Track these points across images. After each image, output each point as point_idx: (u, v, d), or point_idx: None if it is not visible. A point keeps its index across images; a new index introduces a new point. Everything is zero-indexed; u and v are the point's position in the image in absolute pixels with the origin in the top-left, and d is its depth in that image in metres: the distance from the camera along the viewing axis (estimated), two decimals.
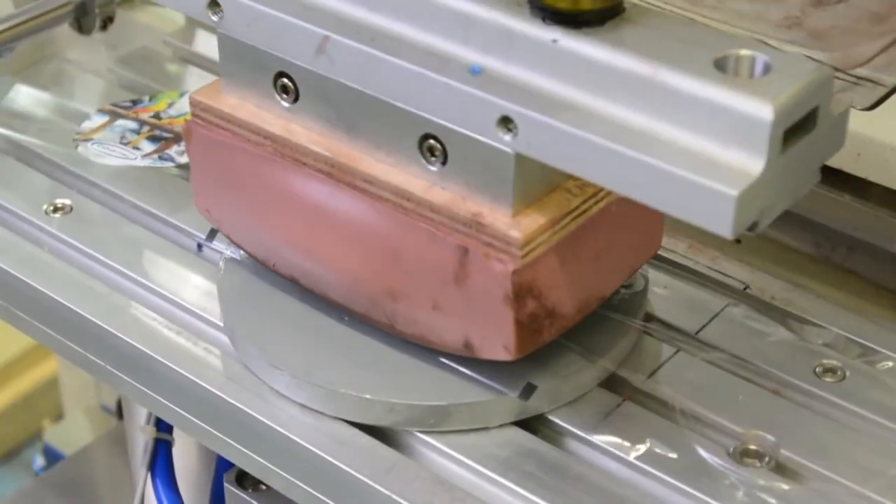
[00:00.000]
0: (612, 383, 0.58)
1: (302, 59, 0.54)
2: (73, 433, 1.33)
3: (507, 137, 0.49)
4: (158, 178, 0.71)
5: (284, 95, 0.56)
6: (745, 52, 0.46)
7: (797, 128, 0.45)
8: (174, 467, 0.71)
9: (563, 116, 0.47)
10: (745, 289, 0.63)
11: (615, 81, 0.47)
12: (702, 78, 0.45)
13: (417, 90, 0.51)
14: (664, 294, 0.63)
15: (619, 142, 0.46)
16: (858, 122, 0.61)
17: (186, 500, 0.71)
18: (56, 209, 0.69)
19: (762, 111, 0.44)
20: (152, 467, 0.71)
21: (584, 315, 0.56)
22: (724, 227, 0.44)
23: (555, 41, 0.48)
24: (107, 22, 0.82)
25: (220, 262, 0.63)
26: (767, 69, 0.46)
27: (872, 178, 0.62)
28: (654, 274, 0.63)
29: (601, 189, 0.53)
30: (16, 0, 0.80)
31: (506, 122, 0.49)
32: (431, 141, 0.52)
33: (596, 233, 0.54)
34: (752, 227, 0.45)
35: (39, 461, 1.36)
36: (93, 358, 0.63)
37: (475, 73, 0.50)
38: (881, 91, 0.64)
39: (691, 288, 0.63)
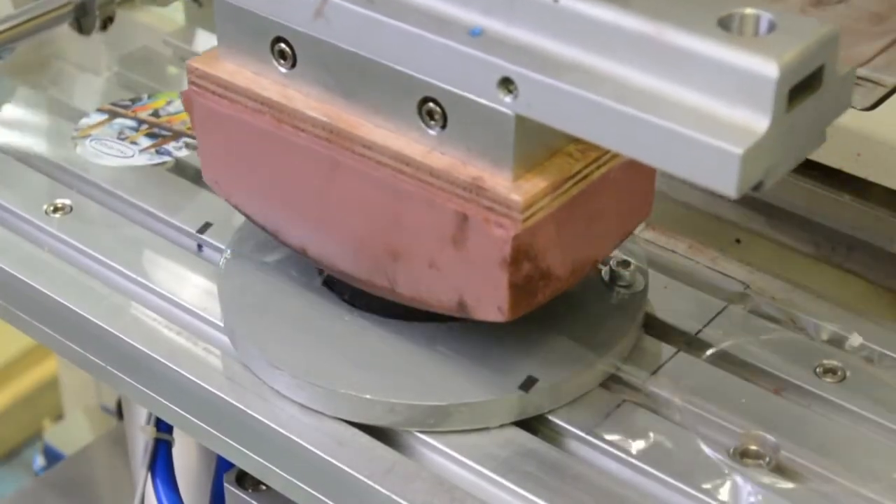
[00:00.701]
0: (612, 383, 0.58)
1: (299, 22, 0.54)
2: (73, 433, 1.33)
3: (508, 99, 0.49)
4: (158, 179, 0.71)
5: (282, 61, 0.56)
6: (749, 10, 0.46)
7: (803, 86, 0.45)
8: (174, 467, 0.71)
9: (564, 77, 0.47)
10: (745, 289, 0.63)
11: (618, 41, 0.46)
12: (706, 37, 0.45)
13: (416, 52, 0.51)
14: (664, 294, 0.63)
15: (623, 102, 0.46)
16: (858, 122, 0.61)
17: (186, 500, 0.71)
18: (56, 209, 0.69)
19: (767, 69, 0.43)
20: (152, 467, 0.71)
21: (578, 278, 0.55)
22: (728, 185, 0.44)
23: (556, 1, 0.48)
24: (107, 22, 0.81)
25: (221, 262, 0.63)
26: (772, 27, 0.45)
27: (872, 178, 0.62)
28: (654, 274, 0.63)
29: (604, 153, 0.53)
30: (15, 0, 0.80)
31: (506, 83, 0.49)
32: (431, 104, 0.52)
33: (595, 197, 0.53)
34: (758, 187, 0.45)
35: (39, 461, 1.36)
36: (93, 358, 0.63)
37: (475, 35, 0.49)
38: (881, 91, 0.64)
39: (691, 288, 0.64)
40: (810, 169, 0.66)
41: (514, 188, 0.51)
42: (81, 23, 0.80)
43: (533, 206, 0.51)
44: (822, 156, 0.63)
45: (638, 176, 0.49)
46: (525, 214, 0.50)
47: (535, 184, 0.51)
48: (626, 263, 0.61)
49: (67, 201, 0.69)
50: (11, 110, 0.78)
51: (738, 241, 0.70)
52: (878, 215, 0.64)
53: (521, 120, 0.49)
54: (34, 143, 0.74)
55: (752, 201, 0.68)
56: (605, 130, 0.47)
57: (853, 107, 0.62)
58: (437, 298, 0.55)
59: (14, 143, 0.75)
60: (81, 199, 0.70)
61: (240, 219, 0.66)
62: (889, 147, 0.61)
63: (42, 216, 0.69)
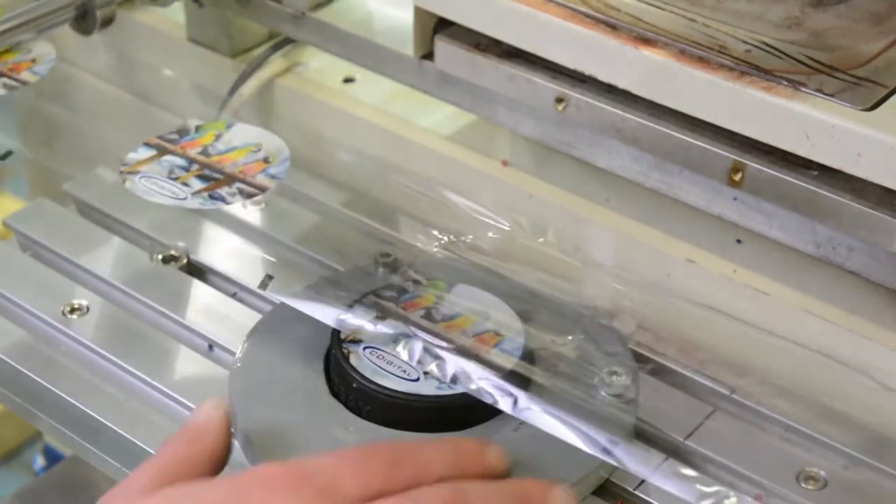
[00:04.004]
0: (604, 490, 0.58)
1: None
2: None
3: None
4: (172, 280, 0.71)
5: None
6: None
7: None
8: None
9: None
10: (731, 393, 0.64)
11: None
12: None
13: None
14: (654, 399, 0.62)
15: None
16: (858, 122, 0.61)
17: None
18: (73, 310, 0.68)
19: None
20: None
21: None
22: None
23: None
24: (107, 22, 0.81)
25: (231, 369, 0.62)
26: None
27: (872, 178, 0.62)
28: (644, 378, 0.63)
29: None
30: (16, 0, 0.80)
31: None
32: None
33: None
34: None
35: (39, 461, 1.36)
36: (114, 462, 0.64)
37: None
38: (881, 91, 0.64)
39: (680, 393, 0.64)
40: (810, 169, 0.65)
41: None
42: (81, 23, 0.80)
43: None
44: (822, 156, 0.63)
45: None
46: None
47: None
48: (616, 373, 0.61)
49: (84, 301, 0.69)
50: (11, 112, 0.78)
51: (738, 241, 0.70)
52: (878, 215, 0.64)
53: None
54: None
55: (752, 201, 0.68)
56: None
57: (853, 107, 0.62)
58: None
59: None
60: (97, 300, 0.69)
61: (249, 325, 0.65)
62: (889, 147, 0.61)
63: (59, 317, 0.68)
